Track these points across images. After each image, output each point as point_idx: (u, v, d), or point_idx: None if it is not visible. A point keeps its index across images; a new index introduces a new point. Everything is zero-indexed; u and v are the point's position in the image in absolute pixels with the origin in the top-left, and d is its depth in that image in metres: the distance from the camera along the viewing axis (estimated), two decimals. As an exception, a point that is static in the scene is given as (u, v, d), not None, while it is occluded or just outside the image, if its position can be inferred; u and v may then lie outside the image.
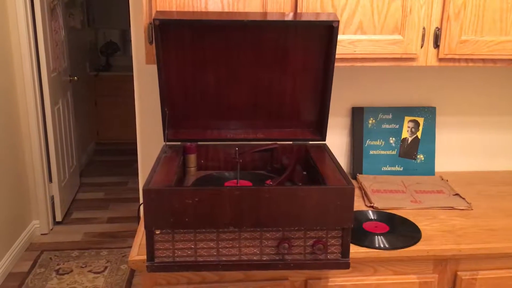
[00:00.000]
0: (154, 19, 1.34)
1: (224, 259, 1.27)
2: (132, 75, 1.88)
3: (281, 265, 1.28)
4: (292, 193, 1.23)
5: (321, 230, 1.27)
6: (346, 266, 1.29)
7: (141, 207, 1.61)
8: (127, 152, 5.28)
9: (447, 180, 1.91)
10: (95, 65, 5.60)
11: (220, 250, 1.27)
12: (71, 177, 4.16)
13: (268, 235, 1.26)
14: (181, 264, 1.27)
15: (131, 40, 1.86)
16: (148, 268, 1.26)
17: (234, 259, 1.28)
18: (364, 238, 1.47)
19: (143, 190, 1.21)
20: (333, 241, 1.28)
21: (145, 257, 1.28)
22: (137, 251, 1.39)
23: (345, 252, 1.28)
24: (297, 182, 1.47)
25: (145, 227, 1.23)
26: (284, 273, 1.45)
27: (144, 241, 1.36)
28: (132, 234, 3.60)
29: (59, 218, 3.75)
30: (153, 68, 1.65)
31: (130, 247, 3.40)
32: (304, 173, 1.51)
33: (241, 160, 1.51)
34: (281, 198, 1.23)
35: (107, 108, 5.53)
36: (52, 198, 3.70)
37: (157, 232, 1.24)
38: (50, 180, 3.66)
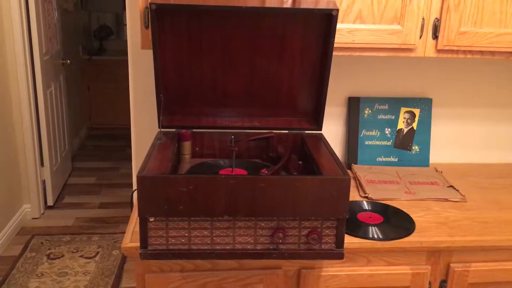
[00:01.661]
0: (150, 3, 1.32)
1: (218, 247, 1.27)
2: (126, 60, 1.85)
3: (275, 254, 1.28)
4: (288, 183, 1.22)
5: (316, 220, 1.26)
6: (340, 256, 1.28)
7: (135, 194, 1.60)
8: (120, 137, 5.25)
9: (441, 172, 1.92)
10: (88, 49, 5.54)
11: (214, 238, 1.26)
12: (63, 161, 4.13)
13: (263, 224, 1.26)
14: (175, 252, 1.26)
15: (125, 24, 1.84)
16: (141, 255, 1.25)
17: (228, 247, 1.27)
18: (358, 229, 1.47)
19: (137, 177, 1.19)
20: (327, 231, 1.27)
21: (138, 244, 1.27)
22: (130, 238, 1.38)
23: (340, 243, 1.28)
24: (292, 172, 1.46)
25: (139, 215, 1.22)
26: (278, 262, 1.45)
27: (137, 228, 1.34)
28: (124, 220, 3.59)
29: (50, 202, 3.73)
30: (148, 53, 1.62)
31: (122, 232, 3.41)
32: (300, 162, 1.50)
33: (236, 149, 1.50)
34: (276, 188, 1.22)
35: (100, 92, 5.48)
36: (44, 182, 3.67)
37: (151, 219, 1.23)
38: (42, 164, 3.63)
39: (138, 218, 1.23)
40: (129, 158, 2.01)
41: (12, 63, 3.24)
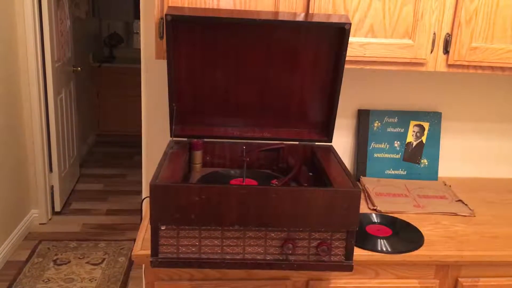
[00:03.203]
0: (166, 15, 1.34)
1: (228, 257, 1.27)
2: (135, 67, 1.87)
3: (284, 265, 1.28)
4: (299, 194, 1.23)
5: (325, 232, 1.27)
6: (350, 268, 1.29)
7: (144, 202, 1.62)
8: (127, 144, 5.28)
9: (450, 186, 1.92)
10: (99, 56, 5.59)
11: (224, 248, 1.27)
12: (71, 167, 4.16)
13: (273, 234, 1.27)
14: (185, 260, 1.27)
15: (135, 32, 1.86)
16: (152, 263, 1.26)
17: (238, 257, 1.28)
18: (366, 241, 1.47)
19: (150, 185, 1.21)
20: (337, 243, 1.28)
21: (148, 251, 1.28)
22: (141, 246, 1.39)
23: (349, 255, 1.28)
24: (302, 183, 1.47)
25: (151, 223, 1.23)
26: (286, 273, 1.45)
27: (147, 236, 1.36)
28: (131, 227, 3.60)
29: (58, 208, 3.75)
30: (161, 62, 1.64)
31: (128, 239, 3.43)
32: (310, 174, 1.51)
33: (248, 159, 1.51)
34: (287, 199, 1.23)
35: (109, 99, 5.52)
36: (52, 188, 3.70)
37: (163, 228, 1.24)
38: (51, 170, 3.66)
39: (150, 226, 1.25)
40: (136, 165, 2.04)
41: (24, 69, 3.28)
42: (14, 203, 3.27)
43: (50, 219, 3.67)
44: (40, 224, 3.58)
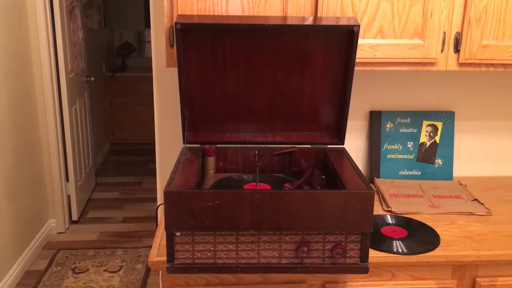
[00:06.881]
0: (176, 23, 1.36)
1: (243, 261, 1.28)
2: (148, 76, 1.89)
3: (300, 268, 1.29)
4: (312, 197, 1.24)
5: (340, 234, 1.27)
6: (365, 270, 1.29)
7: (159, 209, 1.63)
8: (142, 152, 5.31)
9: (465, 185, 1.90)
10: (111, 66, 5.64)
11: (240, 252, 1.28)
12: (87, 176, 4.20)
13: (287, 238, 1.27)
14: (201, 266, 1.28)
15: (147, 41, 1.88)
16: (168, 269, 1.27)
17: (253, 261, 1.28)
18: (382, 243, 1.47)
19: (165, 192, 1.22)
20: (352, 246, 1.28)
21: (164, 258, 1.29)
22: (157, 252, 1.41)
23: (364, 257, 1.28)
24: (315, 186, 1.47)
25: (166, 229, 1.25)
26: (302, 277, 1.45)
27: (163, 243, 1.37)
28: (147, 234, 3.62)
29: (75, 217, 3.79)
30: (172, 70, 1.66)
31: (145, 247, 3.45)
32: (323, 177, 1.51)
33: (260, 163, 1.52)
34: (301, 202, 1.23)
35: (122, 108, 5.57)
36: (69, 197, 3.74)
37: (178, 234, 1.25)
38: (67, 179, 3.70)
39: (165, 232, 1.26)
40: (151, 173, 2.05)
41: (39, 81, 3.33)
42: (32, 213, 3.31)
43: (67, 228, 3.71)
44: (58, 233, 3.62)
